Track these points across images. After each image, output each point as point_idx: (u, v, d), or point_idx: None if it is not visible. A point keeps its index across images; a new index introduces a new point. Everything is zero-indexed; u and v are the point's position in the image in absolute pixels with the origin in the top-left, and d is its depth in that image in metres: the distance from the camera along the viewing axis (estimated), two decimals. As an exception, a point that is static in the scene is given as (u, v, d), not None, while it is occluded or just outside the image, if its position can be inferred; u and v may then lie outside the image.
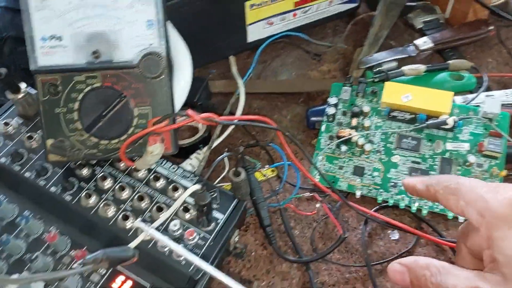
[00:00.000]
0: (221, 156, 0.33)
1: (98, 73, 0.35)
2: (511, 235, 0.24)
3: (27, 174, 0.38)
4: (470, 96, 0.46)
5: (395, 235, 0.40)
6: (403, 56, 0.51)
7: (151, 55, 0.35)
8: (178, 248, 0.28)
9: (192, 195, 0.35)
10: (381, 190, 0.42)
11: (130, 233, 0.35)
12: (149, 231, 0.28)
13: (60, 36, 0.34)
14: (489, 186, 0.27)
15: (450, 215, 0.40)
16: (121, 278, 0.35)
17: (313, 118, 0.47)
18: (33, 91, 0.40)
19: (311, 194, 0.42)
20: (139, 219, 0.32)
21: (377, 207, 0.41)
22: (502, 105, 0.46)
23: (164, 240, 0.28)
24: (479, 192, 0.26)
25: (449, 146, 0.43)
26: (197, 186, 0.32)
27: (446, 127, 0.42)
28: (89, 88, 0.36)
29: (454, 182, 0.28)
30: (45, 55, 0.35)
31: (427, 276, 0.26)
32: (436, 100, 0.43)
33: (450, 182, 0.28)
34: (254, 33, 0.54)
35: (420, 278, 0.26)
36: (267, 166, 0.44)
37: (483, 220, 0.26)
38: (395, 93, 0.44)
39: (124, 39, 0.35)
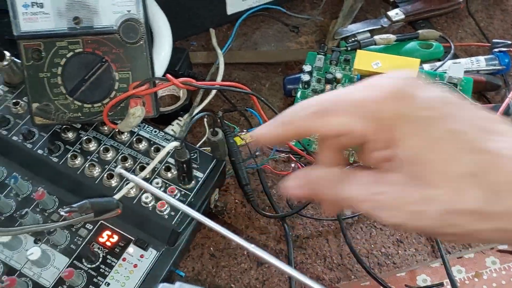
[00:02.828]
0: (198, 115, 0.35)
1: (79, 39, 0.37)
2: (411, 132, 0.21)
3: (14, 138, 0.39)
4: (438, 63, 0.49)
5: (365, 192, 0.43)
6: (376, 27, 0.53)
7: (130, 21, 0.36)
8: (157, 192, 0.30)
9: (172, 154, 0.37)
10: (353, 151, 0.44)
11: (115, 191, 0.37)
12: (129, 177, 0.31)
13: (42, 3, 0.36)
14: (357, 86, 0.22)
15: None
16: (107, 232, 0.37)
17: (290, 86, 0.49)
18: (18, 60, 0.42)
19: (287, 156, 0.45)
20: (119, 166, 0.34)
21: (349, 167, 0.44)
22: (467, 71, 0.49)
23: (144, 185, 0.30)
24: (353, 98, 0.22)
25: (417, 109, 0.45)
26: (176, 143, 0.34)
27: (414, 91, 0.45)
28: (71, 53, 0.37)
29: (313, 105, 0.22)
30: (28, 21, 0.36)
31: (325, 186, 0.23)
32: (404, 67, 0.45)
33: (308, 110, 0.23)
34: (233, 6, 0.55)
35: (318, 191, 0.23)
36: (245, 130, 0.46)
37: (370, 126, 0.21)
38: (366, 61, 0.46)
39: (103, 6, 0.36)
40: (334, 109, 0.22)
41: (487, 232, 0.20)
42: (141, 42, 0.38)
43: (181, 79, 0.38)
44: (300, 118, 0.23)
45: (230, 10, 0.55)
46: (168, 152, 0.38)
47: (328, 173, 0.23)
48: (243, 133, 0.46)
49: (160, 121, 0.47)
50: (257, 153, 0.45)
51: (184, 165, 0.36)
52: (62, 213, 0.29)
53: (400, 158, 0.21)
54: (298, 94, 0.47)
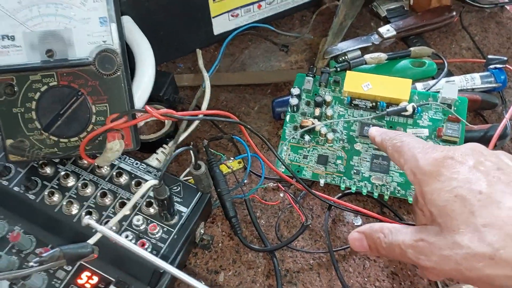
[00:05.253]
0: (179, 150, 0.34)
1: (54, 72, 0.35)
2: (437, 189, 0.26)
3: (-11, 175, 0.38)
4: (431, 82, 0.47)
5: (358, 221, 0.41)
6: (367, 44, 0.52)
7: (106, 52, 0.35)
8: (127, 243, 0.28)
9: (153, 190, 0.36)
10: (344, 177, 0.42)
11: (94, 230, 0.35)
12: (98, 228, 0.29)
13: (13, 36, 0.34)
14: (423, 147, 0.29)
15: (410, 199, 0.41)
16: (86, 273, 0.35)
17: (279, 109, 0.48)
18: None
19: (275, 184, 0.43)
20: (87, 216, 0.32)
21: (340, 194, 0.42)
22: (462, 90, 0.47)
23: (111, 235, 0.29)
24: (414, 152, 0.29)
25: (410, 132, 0.43)
26: (155, 181, 0.33)
27: (406, 113, 0.43)
28: (45, 87, 0.36)
29: (399, 140, 0.31)
30: (-1, 55, 0.34)
31: (381, 238, 0.28)
32: (395, 88, 0.44)
33: (397, 140, 0.31)
34: (219, 26, 0.54)
35: (375, 241, 0.29)
36: (232, 158, 0.44)
37: (415, 177, 0.28)
38: (356, 82, 0.44)
39: (78, 37, 0.35)
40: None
41: (501, 277, 0.24)
42: (118, 73, 0.36)
43: (162, 110, 0.37)
44: (389, 144, 0.32)
45: (217, 30, 0.54)
46: (147, 189, 0.36)
47: (387, 225, 0.29)
48: (230, 161, 0.44)
49: (145, 148, 0.45)
50: (244, 181, 0.44)
51: (165, 202, 0.34)
52: (31, 264, 0.27)
53: (431, 211, 0.27)
54: (287, 118, 0.46)
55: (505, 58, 0.48)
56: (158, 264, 0.26)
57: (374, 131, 0.35)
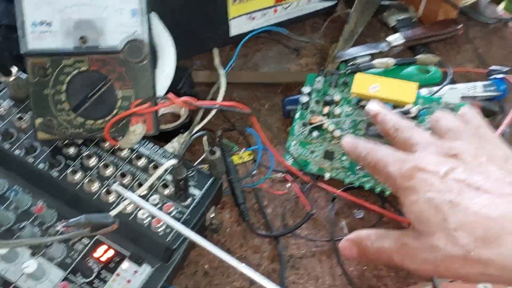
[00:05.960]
0: (197, 134, 0.36)
1: (85, 58, 0.38)
2: (414, 201, 0.29)
3: (16, 152, 0.40)
4: (435, 88, 0.50)
5: (360, 214, 0.44)
6: (376, 51, 0.55)
7: (135, 41, 0.38)
8: (153, 210, 0.31)
9: (170, 171, 0.38)
10: (349, 172, 0.45)
11: (112, 207, 0.38)
12: (125, 194, 0.31)
13: (50, 22, 0.37)
14: (394, 161, 0.31)
15: (411, 196, 0.43)
16: (103, 247, 0.37)
17: (289, 107, 0.50)
18: (24, 76, 0.43)
19: (283, 175, 0.45)
20: (117, 182, 0.34)
21: (344, 187, 0.44)
22: (464, 97, 0.50)
23: (139, 202, 0.31)
24: (388, 170, 0.31)
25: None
26: (174, 161, 0.35)
27: (410, 115, 0.45)
28: (76, 71, 0.38)
29: (371, 159, 0.33)
30: (35, 39, 0.37)
31: (368, 244, 0.31)
32: (402, 91, 0.46)
33: (370, 160, 0.33)
34: (236, 27, 0.57)
35: (363, 248, 0.31)
36: (244, 149, 0.47)
37: (397, 192, 0.31)
38: (364, 84, 0.47)
39: (110, 26, 0.38)
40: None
41: (475, 275, 0.27)
42: (145, 62, 0.39)
43: (182, 98, 0.39)
44: (364, 163, 0.35)
45: (234, 31, 0.57)
46: (166, 170, 0.38)
47: (373, 232, 0.32)
48: (241, 152, 0.47)
49: (161, 138, 0.48)
50: (254, 172, 0.46)
51: (181, 183, 0.37)
52: (59, 227, 0.29)
53: (410, 219, 0.30)
54: (297, 115, 0.48)
55: (506, 69, 0.50)
56: (178, 229, 0.29)
57: (348, 144, 0.36)
